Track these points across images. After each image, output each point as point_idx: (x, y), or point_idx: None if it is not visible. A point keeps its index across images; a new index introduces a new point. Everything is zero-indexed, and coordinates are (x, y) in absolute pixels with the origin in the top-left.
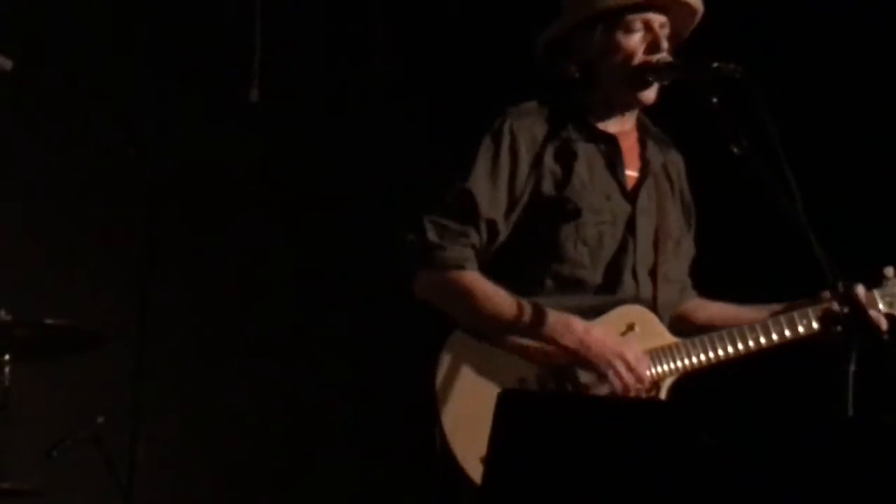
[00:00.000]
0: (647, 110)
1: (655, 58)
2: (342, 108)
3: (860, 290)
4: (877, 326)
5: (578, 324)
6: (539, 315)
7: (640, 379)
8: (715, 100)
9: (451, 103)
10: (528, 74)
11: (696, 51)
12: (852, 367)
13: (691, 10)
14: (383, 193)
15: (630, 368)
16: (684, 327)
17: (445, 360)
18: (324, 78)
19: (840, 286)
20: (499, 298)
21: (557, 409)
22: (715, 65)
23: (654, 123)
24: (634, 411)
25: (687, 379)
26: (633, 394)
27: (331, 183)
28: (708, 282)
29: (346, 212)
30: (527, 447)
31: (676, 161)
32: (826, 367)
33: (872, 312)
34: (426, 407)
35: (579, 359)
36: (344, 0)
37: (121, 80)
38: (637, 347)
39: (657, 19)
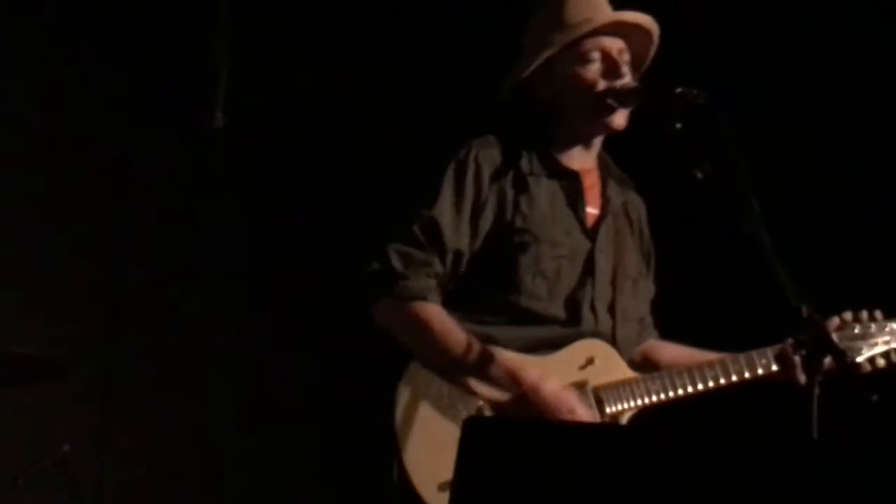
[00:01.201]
0: (611, 143)
1: (619, 83)
2: (309, 133)
3: (833, 323)
4: (840, 350)
5: (527, 378)
6: (489, 361)
7: None
8: (679, 125)
9: (418, 132)
10: (492, 108)
11: (660, 76)
12: (816, 391)
13: (646, 33)
14: (349, 220)
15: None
16: (648, 368)
17: (404, 391)
18: (290, 103)
19: (805, 310)
20: (455, 336)
21: (523, 435)
22: (678, 90)
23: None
24: (598, 436)
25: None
26: None
27: (298, 208)
28: (673, 322)
29: (312, 237)
30: (493, 473)
31: (637, 203)
32: (790, 391)
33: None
34: (385, 436)
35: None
36: (308, 27)
37: (86, 104)
38: (584, 411)
39: (614, 45)
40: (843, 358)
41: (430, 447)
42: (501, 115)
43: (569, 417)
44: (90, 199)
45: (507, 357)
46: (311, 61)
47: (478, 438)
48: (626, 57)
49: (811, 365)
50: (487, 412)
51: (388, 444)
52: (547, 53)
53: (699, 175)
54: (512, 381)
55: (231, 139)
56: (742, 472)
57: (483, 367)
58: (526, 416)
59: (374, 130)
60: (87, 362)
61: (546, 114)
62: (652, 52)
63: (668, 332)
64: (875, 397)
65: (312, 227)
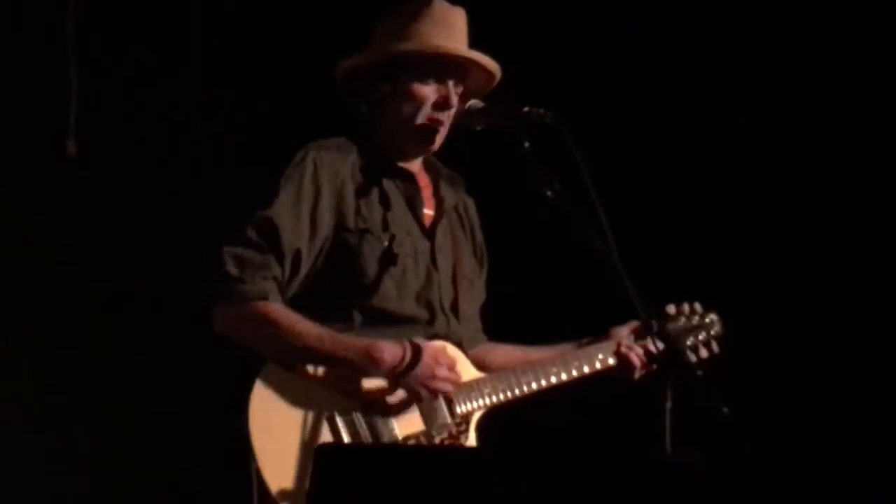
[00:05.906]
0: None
1: (441, 114)
2: (162, 158)
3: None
4: (691, 363)
5: (384, 353)
6: (345, 347)
7: (456, 380)
8: (527, 144)
9: (269, 150)
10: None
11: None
12: (668, 404)
13: (489, 75)
14: (204, 246)
15: (449, 368)
16: (481, 370)
17: (258, 395)
18: (141, 129)
19: (654, 325)
20: (303, 328)
21: (374, 461)
22: (526, 109)
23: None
24: (449, 458)
25: (497, 416)
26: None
27: (154, 236)
28: (513, 327)
29: (168, 264)
30: (345, 500)
31: (469, 203)
32: (643, 405)
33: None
34: (240, 441)
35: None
36: (159, 49)
37: None
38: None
39: (452, 79)
40: (694, 371)
41: (286, 452)
42: (336, 115)
43: (439, 355)
44: None
45: (359, 340)
46: (163, 88)
47: (329, 467)
48: (460, 90)
49: (663, 377)
50: (341, 414)
51: (244, 450)
52: (388, 56)
53: (548, 193)
54: (371, 359)
55: (83, 167)
56: (596, 490)
57: (339, 353)
58: (395, 386)
59: (229, 157)
60: None
61: (368, 114)
62: (489, 89)
63: (506, 336)
64: (726, 409)
65: (167, 256)
